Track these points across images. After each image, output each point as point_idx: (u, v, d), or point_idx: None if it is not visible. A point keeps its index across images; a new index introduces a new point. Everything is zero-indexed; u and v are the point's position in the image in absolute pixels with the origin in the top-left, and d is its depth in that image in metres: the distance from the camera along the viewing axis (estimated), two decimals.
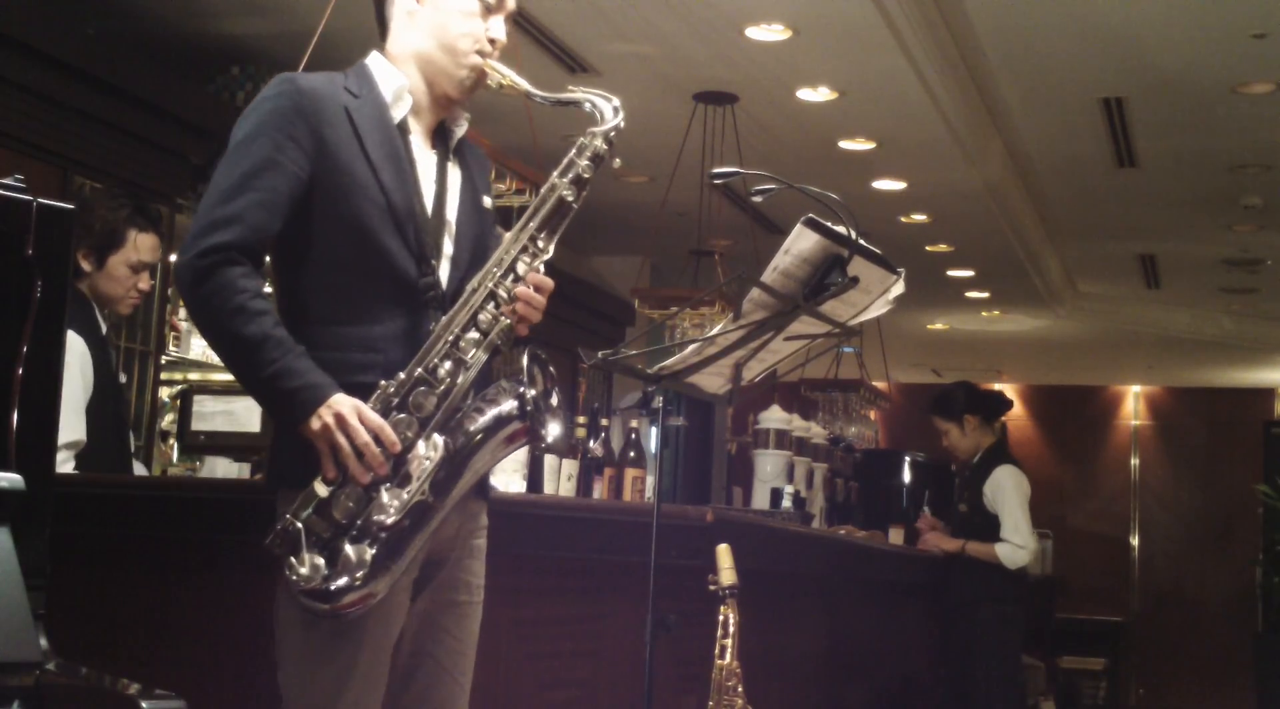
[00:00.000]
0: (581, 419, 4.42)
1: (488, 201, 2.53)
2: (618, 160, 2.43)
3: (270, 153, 2.27)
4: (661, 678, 2.93)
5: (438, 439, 2.23)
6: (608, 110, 2.44)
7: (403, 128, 2.41)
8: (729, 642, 2.92)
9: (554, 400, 2.36)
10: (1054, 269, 9.97)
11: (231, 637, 3.02)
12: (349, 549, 2.16)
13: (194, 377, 6.22)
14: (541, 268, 2.38)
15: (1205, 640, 13.17)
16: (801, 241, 2.61)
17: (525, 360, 2.31)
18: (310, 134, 2.30)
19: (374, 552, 2.16)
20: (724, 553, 2.93)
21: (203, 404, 3.97)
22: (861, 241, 2.63)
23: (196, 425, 3.92)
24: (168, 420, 5.91)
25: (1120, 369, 13.55)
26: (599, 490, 4.37)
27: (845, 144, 7.16)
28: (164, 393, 5.93)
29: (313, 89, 2.33)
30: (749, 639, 3.01)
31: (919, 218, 8.53)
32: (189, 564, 3.21)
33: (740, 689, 2.92)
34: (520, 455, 3.91)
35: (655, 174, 7.45)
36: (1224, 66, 6.09)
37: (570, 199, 2.38)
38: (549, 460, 4.12)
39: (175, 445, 5.66)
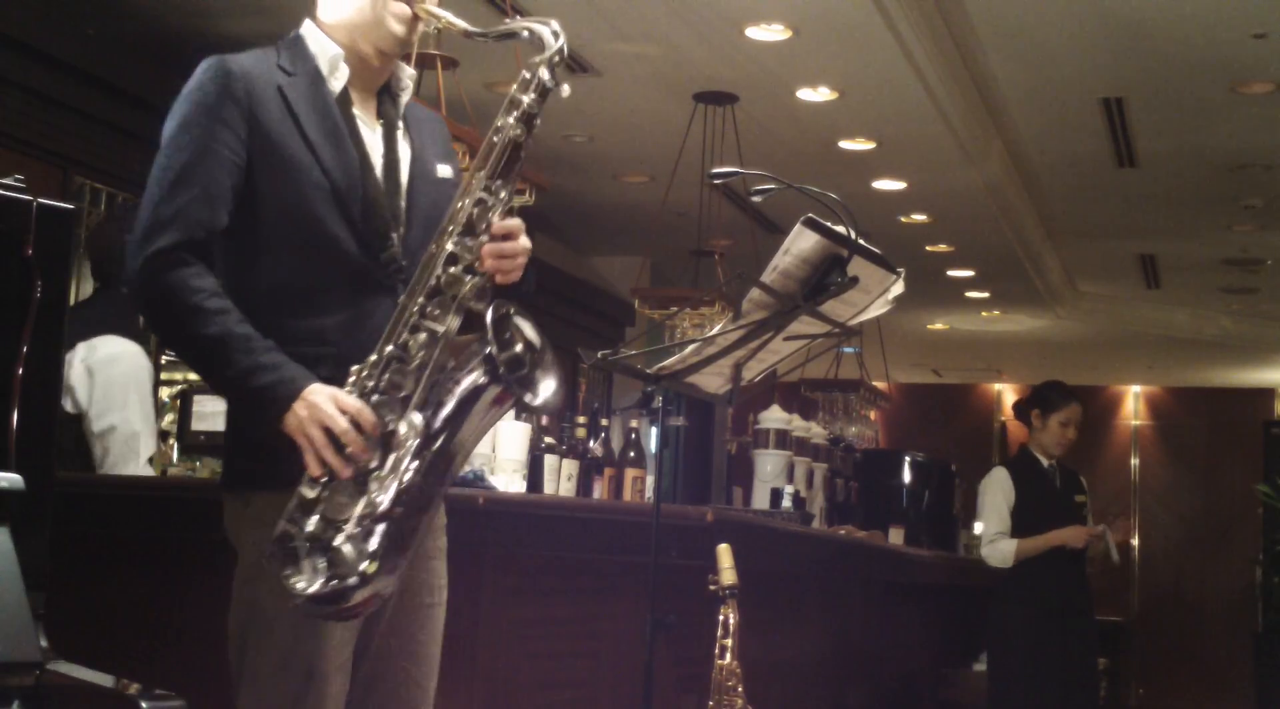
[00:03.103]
0: (581, 419, 4.42)
1: (444, 170, 2.37)
2: (566, 87, 2.24)
3: (204, 141, 2.16)
4: (661, 678, 2.93)
5: (416, 419, 2.09)
6: (546, 35, 2.22)
7: (344, 100, 2.29)
8: (729, 642, 2.92)
9: (535, 355, 2.17)
10: (1054, 269, 9.97)
11: None
12: (346, 548, 2.03)
13: (194, 377, 6.21)
14: (501, 214, 2.18)
15: (1205, 640, 13.18)
16: (801, 241, 2.61)
17: (490, 318, 2.11)
18: (243, 118, 2.19)
19: (373, 546, 2.04)
20: (724, 553, 2.93)
21: (203, 404, 3.96)
22: (861, 241, 2.63)
23: (196, 425, 3.91)
24: (168, 420, 5.91)
25: (1120, 369, 13.55)
26: (599, 490, 4.36)
27: (845, 144, 7.17)
28: (164, 393, 5.93)
29: (243, 71, 2.22)
30: (749, 639, 3.01)
31: (919, 218, 8.53)
32: (189, 564, 3.21)
33: (740, 689, 2.92)
34: (520, 455, 3.91)
35: (655, 174, 7.45)
36: (1224, 66, 6.09)
37: (520, 137, 2.20)
38: (549, 460, 4.12)
39: (175, 445, 5.66)
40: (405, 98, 2.38)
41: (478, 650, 2.55)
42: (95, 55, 5.27)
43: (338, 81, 2.29)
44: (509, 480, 3.78)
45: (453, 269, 2.16)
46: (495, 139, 2.21)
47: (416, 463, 2.08)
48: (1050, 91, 6.56)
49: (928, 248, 9.22)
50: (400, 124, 2.37)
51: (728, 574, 2.91)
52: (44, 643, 1.92)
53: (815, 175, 6.99)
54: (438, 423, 2.10)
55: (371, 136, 2.31)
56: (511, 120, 2.20)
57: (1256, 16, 5.57)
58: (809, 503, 6.03)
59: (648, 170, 7.60)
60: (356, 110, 2.31)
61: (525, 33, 2.24)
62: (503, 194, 2.19)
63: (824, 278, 2.63)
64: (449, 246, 2.16)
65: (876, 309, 2.81)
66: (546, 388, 2.17)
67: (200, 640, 3.13)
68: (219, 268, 2.22)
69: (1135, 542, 13.74)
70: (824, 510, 6.40)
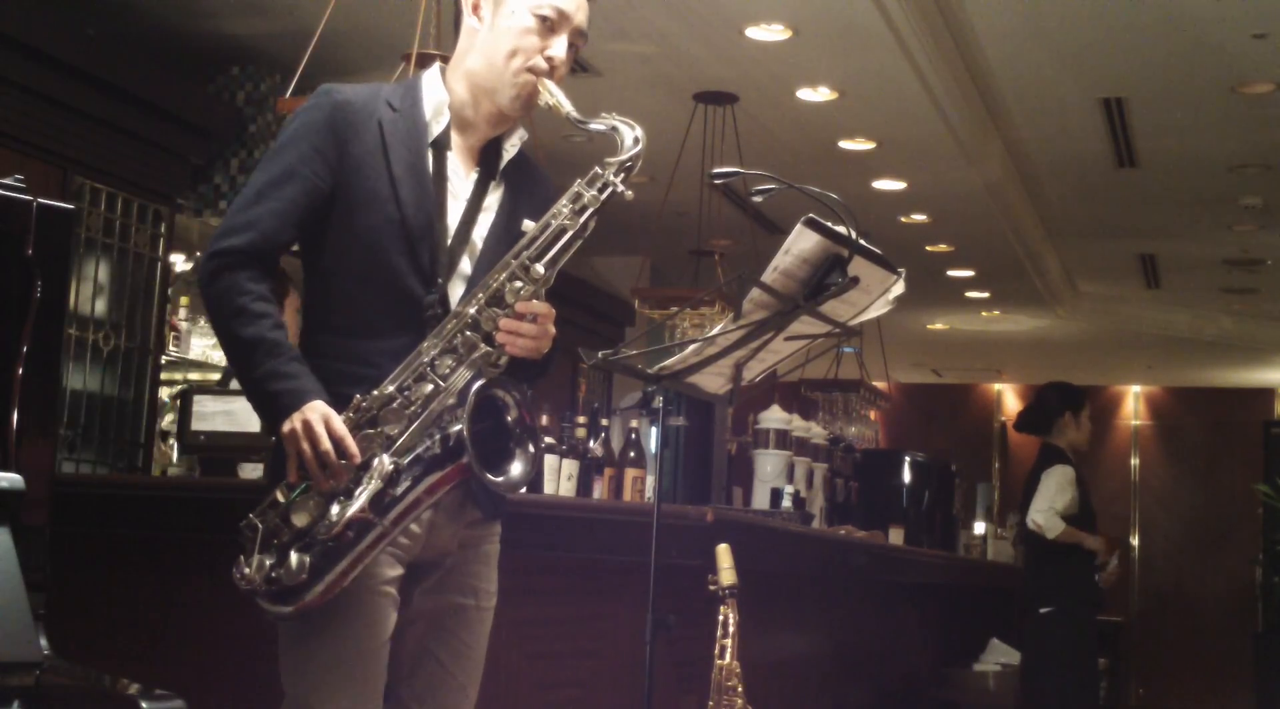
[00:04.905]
0: (581, 419, 4.41)
1: (529, 226, 2.44)
2: (630, 192, 2.38)
3: (293, 163, 2.32)
4: (661, 678, 2.93)
5: (385, 461, 2.22)
6: (628, 139, 2.39)
7: (440, 144, 2.41)
8: (729, 642, 2.92)
9: (514, 438, 2.29)
10: (1054, 269, 9.97)
11: (231, 637, 3.01)
12: (294, 556, 2.20)
13: (194, 376, 6.22)
14: (531, 294, 2.32)
15: (1205, 640, 13.17)
16: (802, 241, 2.61)
17: (474, 391, 2.25)
18: (336, 146, 2.33)
19: (314, 561, 2.19)
20: (724, 553, 2.93)
21: (203, 404, 3.96)
22: (861, 241, 2.63)
23: (196, 425, 3.91)
24: (168, 420, 5.91)
25: (1120, 369, 13.55)
26: (599, 490, 4.36)
27: (845, 144, 7.16)
28: (164, 393, 5.93)
29: (348, 101, 2.37)
30: (749, 639, 3.01)
31: (919, 218, 8.52)
32: (189, 564, 3.21)
33: (740, 689, 2.92)
34: None
35: (655, 174, 7.44)
36: (1224, 66, 6.09)
37: (571, 228, 2.35)
38: (549, 460, 4.12)
39: (175, 445, 5.66)
40: (509, 155, 2.49)
41: None
42: (95, 55, 5.27)
43: (438, 125, 2.42)
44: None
45: (470, 333, 2.29)
46: (551, 222, 2.35)
47: (373, 501, 2.21)
48: (1050, 91, 6.55)
49: (928, 248, 9.22)
50: (498, 178, 2.48)
51: (727, 574, 2.91)
52: (44, 643, 1.92)
53: (815, 175, 6.99)
54: (403, 474, 2.24)
55: (461, 183, 2.43)
56: (567, 210, 2.36)
57: (1256, 16, 5.56)
58: (809, 503, 6.02)
59: (648, 170, 7.57)
60: (454, 156, 2.43)
61: (611, 129, 2.41)
62: (537, 274, 2.32)
63: (825, 278, 2.63)
64: (472, 311, 2.29)
65: (877, 309, 2.81)
66: (515, 470, 2.30)
67: (200, 640, 3.13)
68: (305, 282, 2.40)
69: (1135, 541, 13.74)
70: (824, 510, 6.39)
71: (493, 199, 2.46)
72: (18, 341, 2.02)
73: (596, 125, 2.42)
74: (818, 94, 6.46)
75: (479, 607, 2.45)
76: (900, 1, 5.53)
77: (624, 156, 2.39)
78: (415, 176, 2.36)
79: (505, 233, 2.44)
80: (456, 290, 2.38)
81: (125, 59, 5.48)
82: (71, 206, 2.14)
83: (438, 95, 2.43)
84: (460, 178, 2.43)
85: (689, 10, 5.59)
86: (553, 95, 2.40)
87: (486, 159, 2.47)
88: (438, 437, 2.25)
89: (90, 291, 5.31)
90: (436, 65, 2.49)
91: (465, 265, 2.40)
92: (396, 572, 2.33)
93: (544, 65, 2.40)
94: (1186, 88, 6.37)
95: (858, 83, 6.32)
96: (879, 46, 5.81)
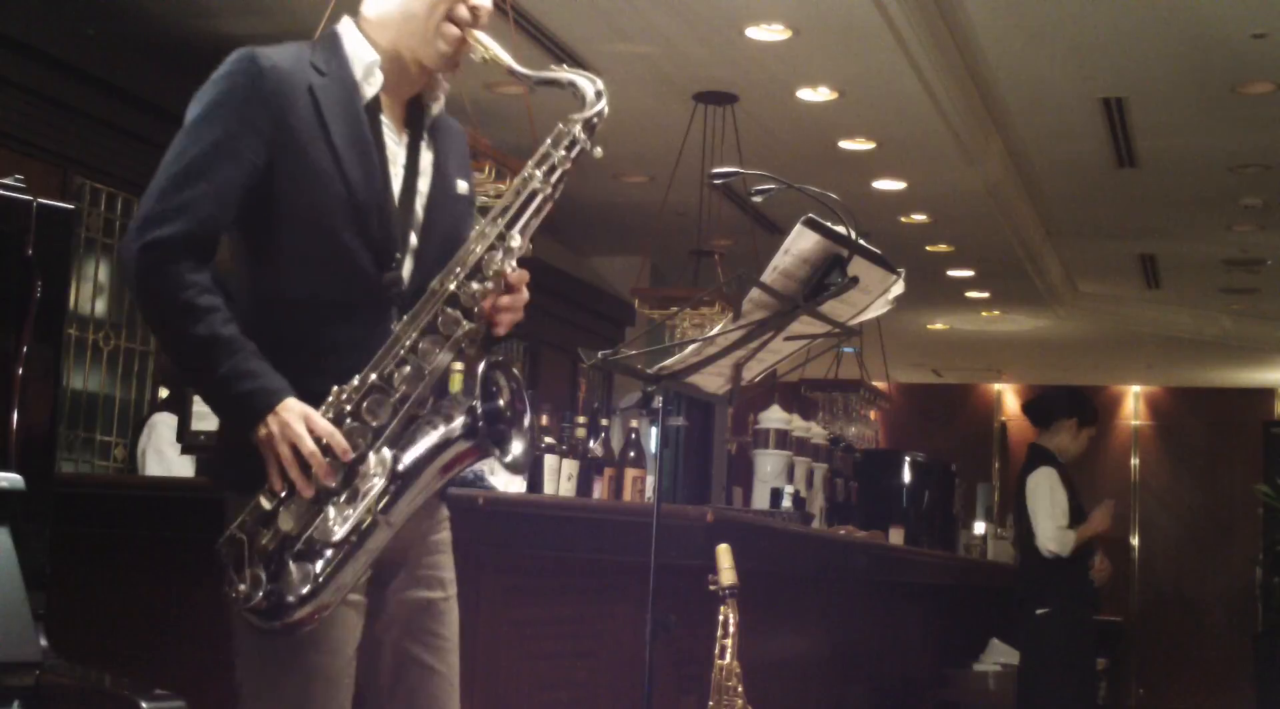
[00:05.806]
0: (581, 419, 4.41)
1: (463, 186, 2.32)
2: (599, 150, 2.26)
3: (223, 138, 2.11)
4: (661, 678, 2.93)
5: (386, 454, 2.08)
6: (590, 93, 2.25)
7: (374, 108, 2.22)
8: (729, 642, 2.92)
9: (517, 413, 2.18)
10: (1054, 269, 9.97)
11: (231, 637, 3.01)
12: (293, 566, 2.04)
13: None
14: (512, 265, 2.21)
15: (1205, 640, 13.18)
16: (801, 241, 2.61)
17: (482, 370, 2.11)
18: (269, 118, 2.12)
19: (318, 569, 2.04)
20: (724, 553, 2.93)
21: (202, 404, 3.95)
22: (861, 241, 2.63)
23: (196, 425, 3.90)
24: None
25: (1120, 369, 13.55)
26: (599, 490, 4.36)
27: (845, 144, 7.16)
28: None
29: (275, 67, 2.15)
30: (749, 639, 3.01)
31: (919, 218, 8.53)
32: (189, 564, 3.20)
33: (740, 689, 2.92)
34: None
35: (655, 174, 7.45)
36: (1224, 66, 6.09)
37: (543, 191, 2.22)
38: (549, 460, 4.12)
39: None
40: (436, 108, 2.32)
41: (477, 651, 2.55)
42: (95, 55, 5.28)
43: (370, 88, 2.22)
44: (509, 480, 3.77)
45: (450, 310, 2.15)
46: (520, 189, 2.22)
47: (377, 498, 2.07)
48: (1050, 91, 6.56)
49: (928, 248, 9.22)
50: (425, 135, 2.31)
51: (728, 574, 2.91)
52: (44, 643, 1.92)
53: (815, 175, 6.99)
54: (404, 463, 2.10)
55: (395, 147, 2.26)
56: (538, 173, 2.23)
57: (1256, 16, 5.57)
58: (809, 503, 6.02)
59: (648, 170, 7.60)
60: (384, 118, 2.25)
61: (569, 84, 2.26)
62: (515, 243, 2.20)
63: (824, 278, 2.63)
64: (451, 287, 2.16)
65: (877, 309, 2.81)
66: (517, 447, 2.18)
67: (200, 640, 3.12)
68: (242, 269, 2.21)
69: (1135, 541, 13.74)
70: (824, 510, 6.39)
71: (425, 162, 2.28)
72: (18, 342, 2.02)
73: (546, 77, 2.26)
74: (818, 94, 6.46)
75: (446, 597, 2.32)
76: (900, 1, 5.53)
77: (589, 112, 2.25)
78: (358, 149, 2.17)
79: (444, 198, 2.27)
80: (406, 266, 2.22)
81: (125, 59, 5.49)
82: (71, 206, 2.14)
83: (367, 55, 2.22)
84: (395, 143, 2.25)
85: (689, 10, 5.59)
86: (488, 49, 2.23)
87: (411, 118, 2.29)
88: (440, 421, 2.12)
89: (90, 291, 5.32)
90: (350, 21, 2.27)
91: (411, 238, 2.23)
92: (365, 575, 2.19)
93: (466, 15, 2.22)
94: (1186, 88, 6.37)
95: (858, 83, 6.32)
96: (879, 46, 5.81)
